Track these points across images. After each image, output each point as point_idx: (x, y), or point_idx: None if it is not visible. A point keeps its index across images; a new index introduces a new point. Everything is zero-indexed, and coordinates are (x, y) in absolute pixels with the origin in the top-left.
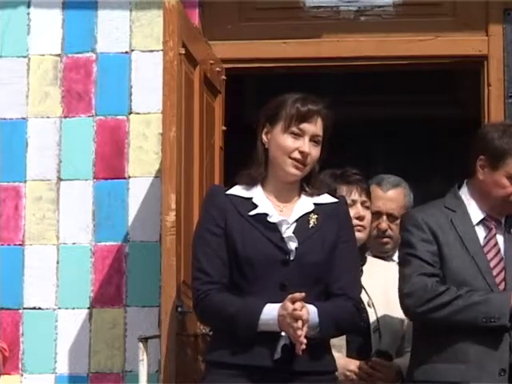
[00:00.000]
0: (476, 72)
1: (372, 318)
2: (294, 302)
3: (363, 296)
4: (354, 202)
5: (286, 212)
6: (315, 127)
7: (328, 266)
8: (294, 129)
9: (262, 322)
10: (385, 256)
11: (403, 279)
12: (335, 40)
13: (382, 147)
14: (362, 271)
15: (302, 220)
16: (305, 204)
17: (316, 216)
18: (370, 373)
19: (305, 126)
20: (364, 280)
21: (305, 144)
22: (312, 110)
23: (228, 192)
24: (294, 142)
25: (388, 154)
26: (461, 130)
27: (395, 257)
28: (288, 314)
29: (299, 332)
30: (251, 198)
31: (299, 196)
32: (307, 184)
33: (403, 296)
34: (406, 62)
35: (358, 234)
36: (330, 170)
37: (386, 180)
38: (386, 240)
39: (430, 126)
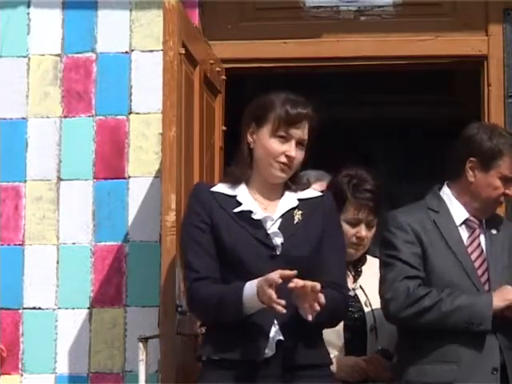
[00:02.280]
0: (476, 72)
1: (369, 317)
2: (282, 278)
3: (361, 296)
4: (359, 220)
5: (270, 209)
6: (302, 132)
7: (315, 260)
8: (282, 133)
9: (246, 299)
10: None
11: (385, 284)
12: (335, 40)
13: (382, 147)
14: (361, 271)
15: (287, 216)
16: (289, 200)
17: (300, 212)
18: (364, 367)
19: (292, 130)
20: (362, 280)
21: (291, 148)
22: (301, 114)
23: (213, 189)
24: (281, 146)
25: (388, 153)
26: (461, 130)
27: None
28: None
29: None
30: (235, 196)
31: (283, 193)
32: (291, 182)
33: (385, 301)
34: (406, 62)
35: (353, 251)
36: (345, 171)
37: (309, 174)
38: None
39: (429, 126)
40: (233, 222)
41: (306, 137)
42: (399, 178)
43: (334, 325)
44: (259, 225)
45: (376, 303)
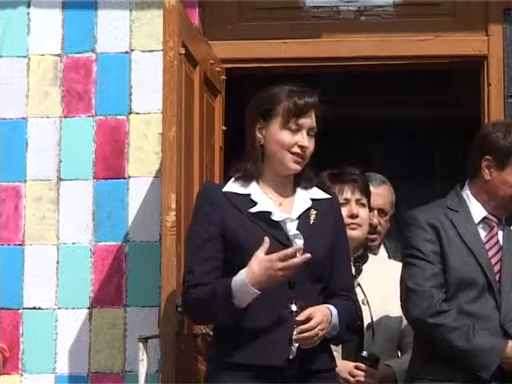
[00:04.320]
0: (476, 72)
1: (366, 315)
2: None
3: (359, 293)
4: (347, 200)
5: (285, 206)
6: (311, 120)
7: (328, 262)
8: (292, 124)
9: (235, 288)
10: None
11: (407, 286)
12: (335, 40)
13: (382, 147)
14: (361, 270)
15: (303, 216)
16: (303, 199)
17: (315, 212)
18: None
19: (302, 120)
20: (362, 278)
21: (303, 138)
22: (309, 104)
23: (224, 189)
24: (293, 137)
25: (388, 154)
26: (461, 129)
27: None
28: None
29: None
30: (249, 195)
31: (294, 190)
32: (300, 176)
33: (407, 306)
34: (405, 61)
35: (353, 232)
36: (328, 170)
37: (374, 176)
38: (374, 236)
39: (429, 126)
40: (249, 222)
41: (315, 124)
42: (399, 178)
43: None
44: (278, 226)
45: (374, 302)
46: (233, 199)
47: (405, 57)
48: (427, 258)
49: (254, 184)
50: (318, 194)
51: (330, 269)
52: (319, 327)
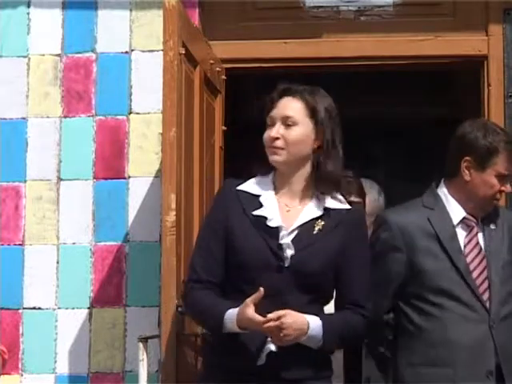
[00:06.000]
0: (476, 72)
1: None
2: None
3: None
4: None
5: (293, 214)
6: (283, 110)
7: (331, 275)
8: (268, 120)
9: (226, 323)
10: None
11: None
12: (335, 40)
13: (383, 147)
14: None
15: (307, 226)
16: (314, 208)
17: (323, 223)
18: None
19: (273, 112)
20: None
21: (272, 130)
22: (278, 92)
23: (239, 187)
24: (267, 133)
25: (388, 154)
26: None
27: None
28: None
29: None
30: (259, 196)
31: (311, 198)
32: (317, 182)
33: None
34: (405, 62)
35: None
36: None
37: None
38: None
39: (430, 126)
40: (250, 226)
41: (289, 113)
42: (399, 178)
43: (351, 347)
44: (275, 232)
45: None
46: (242, 198)
47: (405, 57)
48: (383, 274)
49: (270, 186)
50: (336, 203)
51: (337, 281)
52: (285, 331)
